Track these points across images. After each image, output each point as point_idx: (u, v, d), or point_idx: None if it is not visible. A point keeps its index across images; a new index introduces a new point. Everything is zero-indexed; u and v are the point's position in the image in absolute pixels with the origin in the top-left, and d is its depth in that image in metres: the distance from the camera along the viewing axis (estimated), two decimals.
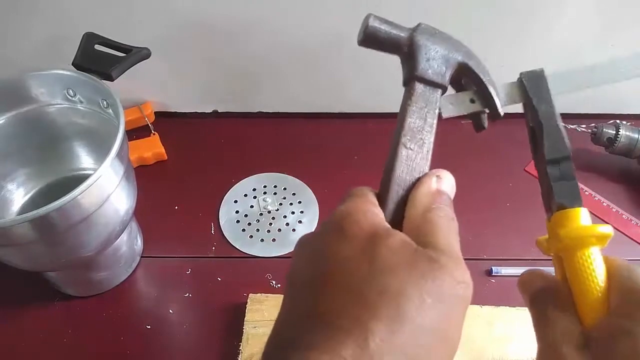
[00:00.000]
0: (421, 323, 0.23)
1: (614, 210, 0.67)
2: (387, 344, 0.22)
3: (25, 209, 0.60)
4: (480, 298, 0.55)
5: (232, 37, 0.68)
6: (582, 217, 0.30)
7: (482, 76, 0.33)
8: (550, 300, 0.29)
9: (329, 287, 0.24)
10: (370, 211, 0.27)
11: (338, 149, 0.75)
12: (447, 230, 0.27)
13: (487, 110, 0.34)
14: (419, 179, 0.29)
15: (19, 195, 0.61)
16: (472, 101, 0.33)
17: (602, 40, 0.68)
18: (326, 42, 0.69)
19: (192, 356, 0.56)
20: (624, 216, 0.67)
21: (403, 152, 0.30)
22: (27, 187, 0.61)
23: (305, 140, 0.76)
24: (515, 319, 0.55)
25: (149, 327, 0.58)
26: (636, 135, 0.67)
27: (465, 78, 0.34)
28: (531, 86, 0.34)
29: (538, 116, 0.33)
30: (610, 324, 0.26)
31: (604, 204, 0.68)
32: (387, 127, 0.86)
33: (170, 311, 0.59)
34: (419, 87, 0.31)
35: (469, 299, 0.25)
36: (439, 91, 0.31)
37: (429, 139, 0.30)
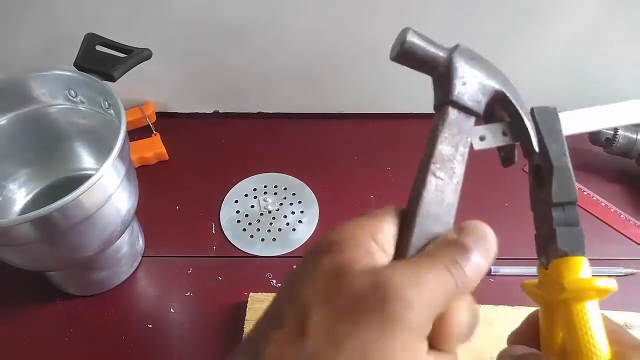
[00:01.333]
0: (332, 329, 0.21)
1: (612, 210, 0.68)
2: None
3: (26, 209, 0.61)
4: (479, 297, 0.55)
5: (232, 37, 0.68)
6: (583, 267, 0.28)
7: (519, 108, 0.31)
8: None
9: (284, 314, 0.24)
10: (359, 240, 0.24)
11: (338, 149, 0.75)
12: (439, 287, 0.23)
13: (518, 144, 0.32)
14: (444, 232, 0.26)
15: (20, 195, 0.61)
16: (505, 134, 0.31)
17: (602, 40, 0.68)
18: (326, 43, 0.69)
19: (193, 355, 0.56)
20: (622, 216, 0.67)
21: (432, 181, 0.27)
22: (28, 187, 0.61)
23: (305, 140, 0.76)
24: (514, 318, 0.55)
25: (150, 326, 0.58)
26: (634, 136, 0.68)
27: (500, 107, 0.32)
28: (543, 122, 0.32)
29: (549, 156, 0.30)
30: None
31: (602, 204, 0.68)
32: (388, 127, 0.87)
33: (172, 310, 0.59)
34: (453, 112, 0.29)
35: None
36: (473, 119, 0.29)
37: (460, 169, 0.28)
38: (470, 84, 0.29)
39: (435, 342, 0.23)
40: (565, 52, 0.69)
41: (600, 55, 0.70)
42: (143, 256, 0.64)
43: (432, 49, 0.29)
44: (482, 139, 0.30)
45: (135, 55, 0.55)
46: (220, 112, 0.79)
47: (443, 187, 0.27)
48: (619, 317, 0.56)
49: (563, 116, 0.32)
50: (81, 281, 0.60)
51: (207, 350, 0.56)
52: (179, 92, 0.77)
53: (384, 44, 0.74)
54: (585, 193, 0.69)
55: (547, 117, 0.32)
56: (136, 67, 0.55)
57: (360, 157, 0.74)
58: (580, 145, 0.73)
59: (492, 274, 0.61)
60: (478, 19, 0.65)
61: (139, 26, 0.66)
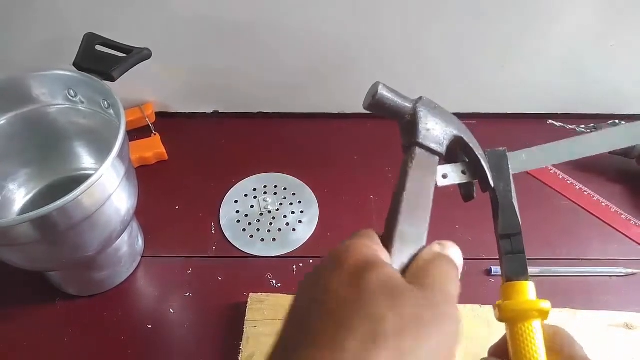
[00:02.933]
0: (398, 346, 0.23)
1: (612, 210, 0.67)
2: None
3: (26, 208, 0.61)
4: (479, 298, 0.55)
5: (232, 37, 0.68)
6: (528, 291, 0.32)
7: (475, 150, 0.36)
8: None
9: (316, 313, 0.25)
10: (367, 246, 0.28)
11: (338, 149, 0.75)
12: (445, 274, 0.28)
13: (476, 181, 0.36)
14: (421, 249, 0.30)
15: (20, 195, 0.61)
16: (464, 172, 0.36)
17: (602, 40, 0.68)
18: (326, 43, 0.69)
19: (193, 355, 0.56)
20: (622, 216, 0.67)
21: (404, 206, 0.31)
22: (28, 187, 0.61)
23: (305, 140, 0.76)
24: None
25: (150, 326, 0.58)
26: None
27: (459, 150, 0.36)
28: (492, 164, 0.36)
29: (496, 194, 0.35)
30: None
31: (603, 204, 0.68)
32: (387, 127, 0.86)
33: (171, 311, 0.59)
34: (420, 151, 0.33)
35: (454, 334, 0.25)
36: (437, 158, 0.34)
37: (428, 198, 0.32)
38: (433, 130, 0.34)
39: None
40: (565, 52, 0.69)
41: (600, 55, 0.70)
42: (142, 256, 0.64)
43: (399, 101, 0.34)
44: (444, 177, 0.35)
45: (135, 55, 0.55)
46: (220, 112, 0.79)
47: (414, 212, 0.31)
48: (620, 317, 0.56)
49: (513, 157, 0.37)
50: (81, 281, 0.60)
51: (206, 350, 0.56)
52: (179, 92, 0.77)
53: (384, 43, 0.75)
54: (585, 193, 0.69)
55: (497, 159, 0.37)
56: (136, 67, 0.55)
57: (360, 157, 0.74)
58: None
59: (492, 274, 0.60)
60: (478, 19, 0.65)
61: (138, 26, 0.66)
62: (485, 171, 0.36)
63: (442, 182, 0.35)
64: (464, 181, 0.36)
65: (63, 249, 0.51)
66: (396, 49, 0.68)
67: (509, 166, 0.36)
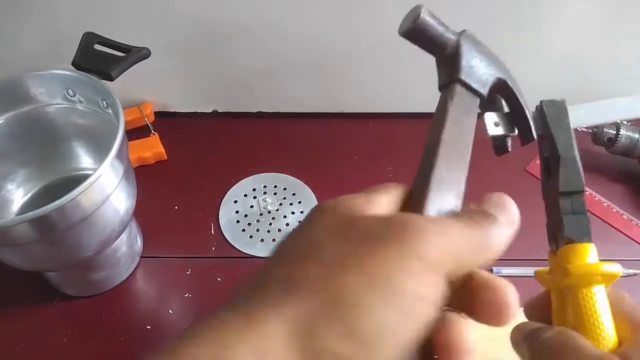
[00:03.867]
0: (366, 272, 0.20)
1: (614, 210, 0.67)
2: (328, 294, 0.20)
3: (24, 209, 0.60)
4: None
5: (232, 37, 0.68)
6: (590, 253, 0.30)
7: (519, 97, 0.32)
8: (566, 335, 0.28)
9: (293, 256, 0.23)
10: (356, 196, 0.25)
11: (338, 149, 0.75)
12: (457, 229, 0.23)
13: (515, 133, 0.33)
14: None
15: (18, 195, 0.61)
16: (511, 123, 0.33)
17: (603, 39, 0.68)
18: (326, 43, 0.68)
19: None
20: (624, 216, 0.67)
21: (443, 149, 0.27)
22: (26, 187, 0.61)
23: (305, 140, 0.76)
24: (517, 319, 0.55)
25: (149, 327, 0.58)
26: (636, 136, 0.67)
27: (501, 95, 0.33)
28: (551, 115, 0.33)
29: (556, 147, 0.32)
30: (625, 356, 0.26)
31: (605, 204, 0.68)
32: (388, 127, 0.86)
33: (170, 311, 0.59)
34: (461, 89, 0.29)
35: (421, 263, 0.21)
36: (478, 100, 0.30)
37: (469, 142, 0.28)
38: (477, 67, 0.30)
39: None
40: (567, 51, 0.69)
41: (602, 54, 0.69)
42: (141, 257, 0.64)
43: (442, 29, 0.29)
44: (496, 124, 0.31)
45: (134, 54, 0.55)
46: (219, 111, 0.79)
47: (453, 156, 0.27)
48: None
49: (572, 109, 0.33)
50: (79, 282, 0.60)
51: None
52: (178, 91, 0.77)
53: (385, 43, 0.75)
54: (587, 193, 0.69)
55: (555, 110, 0.33)
56: (135, 66, 0.55)
57: (360, 157, 0.74)
58: (582, 145, 0.72)
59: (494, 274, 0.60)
60: (478, 18, 0.65)
61: (137, 25, 0.66)
62: (529, 121, 0.32)
63: (493, 131, 0.31)
64: (512, 133, 0.32)
65: (61, 249, 0.50)
66: (396, 49, 0.68)
67: (569, 118, 0.33)
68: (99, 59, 0.54)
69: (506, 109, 0.34)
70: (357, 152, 0.74)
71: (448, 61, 0.30)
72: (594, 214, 0.67)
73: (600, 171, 0.71)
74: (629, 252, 0.63)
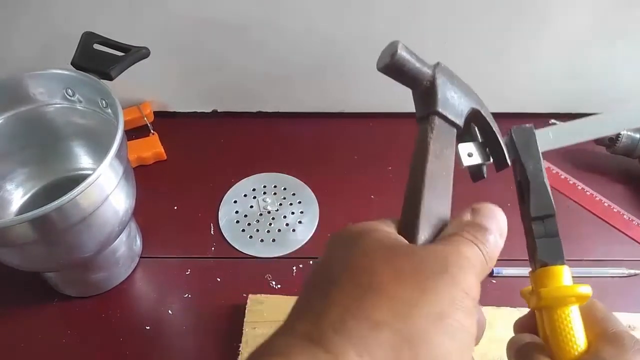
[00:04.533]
0: (395, 295, 0.22)
1: (615, 210, 0.67)
2: (347, 312, 0.22)
3: (24, 209, 0.60)
4: (481, 299, 0.54)
5: (231, 36, 0.68)
6: (563, 276, 0.31)
7: (492, 125, 0.33)
8: (534, 350, 0.31)
9: (311, 281, 0.25)
10: (370, 222, 0.27)
11: (338, 148, 0.75)
12: (469, 241, 0.26)
13: (489, 162, 0.34)
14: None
15: (17, 195, 0.61)
16: (485, 151, 0.34)
17: (603, 39, 0.67)
18: (326, 43, 0.68)
19: (192, 357, 0.56)
20: (625, 216, 0.66)
21: (429, 178, 0.28)
22: (26, 187, 0.61)
23: (305, 140, 0.76)
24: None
25: (148, 327, 0.58)
26: (638, 136, 0.67)
27: (475, 125, 0.34)
28: (520, 142, 0.34)
29: (526, 173, 0.33)
30: None
31: (605, 204, 0.68)
32: (388, 127, 0.86)
33: (170, 312, 0.59)
34: (440, 122, 0.30)
35: (460, 300, 0.23)
36: (455, 131, 0.31)
37: (449, 177, 0.29)
38: (452, 99, 0.31)
39: None
40: (567, 52, 0.69)
41: (601, 55, 0.69)
42: (141, 257, 0.63)
43: (418, 64, 0.30)
44: (470, 155, 0.33)
45: (133, 54, 0.54)
46: (219, 111, 0.79)
47: (437, 186, 0.28)
48: (622, 318, 0.55)
49: (540, 134, 0.35)
50: (79, 282, 0.60)
51: (205, 352, 0.56)
52: (177, 91, 0.77)
53: (384, 43, 0.74)
54: (588, 193, 0.69)
55: (524, 136, 0.34)
56: (134, 66, 0.55)
57: (360, 157, 0.74)
58: (583, 145, 0.72)
59: (494, 275, 0.60)
60: (478, 18, 0.65)
61: (136, 25, 0.66)
62: (502, 149, 0.33)
63: (468, 162, 0.32)
64: (487, 161, 0.34)
65: (61, 250, 0.50)
66: None
67: (538, 144, 0.34)
68: (99, 58, 0.54)
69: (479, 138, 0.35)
70: (357, 152, 0.74)
71: (424, 94, 0.31)
72: (595, 214, 0.67)
73: (601, 171, 0.71)
74: (630, 252, 0.63)
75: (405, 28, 0.65)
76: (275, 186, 0.70)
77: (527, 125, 0.35)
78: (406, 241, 0.26)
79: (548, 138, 0.35)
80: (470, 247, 0.25)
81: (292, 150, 0.75)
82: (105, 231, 0.51)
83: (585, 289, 0.30)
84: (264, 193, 0.70)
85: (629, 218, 0.66)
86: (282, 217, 0.67)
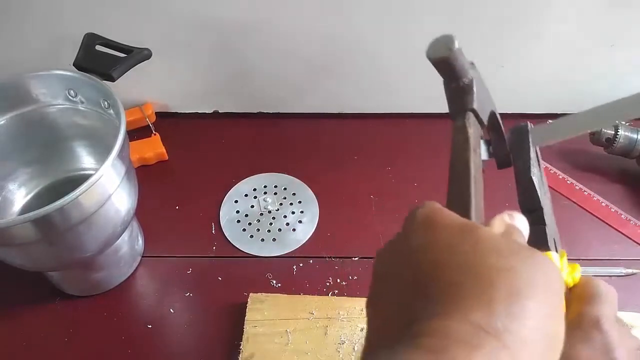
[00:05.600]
0: (532, 297, 0.22)
1: (612, 210, 0.67)
2: (507, 311, 0.21)
3: (26, 209, 0.60)
4: None
5: (232, 37, 0.68)
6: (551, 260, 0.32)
7: (503, 128, 0.36)
8: None
9: (439, 270, 0.24)
10: (450, 212, 0.27)
11: (338, 149, 0.75)
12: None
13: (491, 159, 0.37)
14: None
15: (20, 196, 0.61)
16: (489, 149, 0.37)
17: (603, 40, 0.68)
18: (326, 44, 0.69)
19: (193, 355, 0.56)
20: (622, 216, 0.67)
21: (472, 166, 0.29)
22: (28, 187, 0.61)
23: (305, 140, 0.76)
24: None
25: (150, 326, 0.58)
26: (635, 136, 0.67)
27: (489, 126, 0.35)
28: (513, 141, 0.36)
29: (515, 171, 0.36)
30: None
31: (603, 204, 0.68)
32: (388, 127, 0.86)
33: (171, 311, 0.59)
34: (474, 119, 0.32)
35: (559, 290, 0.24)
36: (480, 130, 0.33)
37: (481, 174, 0.30)
38: (481, 100, 0.32)
39: None
40: (566, 52, 0.69)
41: (600, 55, 0.70)
42: (142, 256, 0.64)
43: (465, 63, 0.31)
44: (486, 151, 0.36)
45: (135, 55, 0.55)
46: (220, 112, 0.79)
47: (478, 181, 0.30)
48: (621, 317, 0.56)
49: (534, 131, 0.37)
50: (81, 281, 0.60)
51: (206, 351, 0.56)
52: (179, 92, 0.77)
53: (384, 43, 0.75)
54: (586, 193, 0.69)
55: (518, 135, 0.36)
56: (136, 67, 0.55)
57: (360, 157, 0.74)
58: (581, 145, 0.73)
59: None
60: (477, 19, 0.65)
61: (138, 26, 0.66)
62: (507, 149, 0.36)
63: (485, 156, 0.35)
64: (487, 158, 0.36)
65: (63, 249, 0.51)
66: (395, 49, 0.68)
67: (530, 141, 0.36)
68: (101, 59, 0.54)
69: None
70: (357, 152, 0.74)
71: (462, 91, 0.32)
72: (593, 214, 0.67)
73: (599, 171, 0.71)
74: (628, 252, 0.64)
75: (405, 29, 0.66)
76: (275, 186, 0.71)
77: (523, 123, 0.36)
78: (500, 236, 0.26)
79: (542, 133, 0.37)
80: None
81: (293, 150, 0.75)
82: (107, 231, 0.52)
83: (565, 267, 0.31)
84: (265, 193, 0.70)
85: (627, 218, 0.67)
86: (283, 216, 0.68)
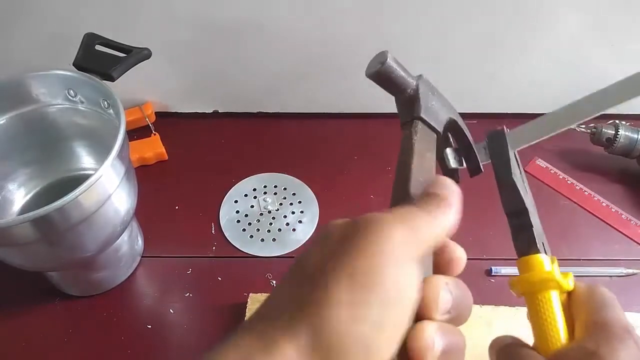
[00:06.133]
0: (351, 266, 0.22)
1: (613, 210, 0.67)
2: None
3: (26, 209, 0.60)
4: (480, 298, 0.55)
5: (232, 37, 0.68)
6: (538, 263, 0.32)
7: (467, 134, 0.37)
8: (517, 346, 0.31)
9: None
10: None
11: (338, 149, 0.75)
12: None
13: (463, 167, 0.38)
14: None
15: (19, 195, 0.61)
16: (457, 158, 0.38)
17: (603, 39, 0.68)
18: (326, 43, 0.69)
19: (193, 356, 0.56)
20: (623, 216, 0.67)
21: (415, 174, 0.30)
22: (27, 187, 0.61)
23: (305, 140, 0.76)
24: (514, 319, 0.55)
25: (150, 326, 0.58)
26: (635, 136, 0.67)
27: (451, 134, 0.37)
28: (492, 146, 0.37)
29: (496, 174, 0.36)
30: (576, 351, 0.28)
31: (604, 204, 0.68)
32: (387, 128, 0.86)
33: (171, 311, 0.59)
34: (422, 126, 0.32)
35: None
36: (435, 136, 0.33)
37: (432, 178, 0.31)
38: (432, 108, 0.33)
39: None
40: (566, 52, 0.69)
41: (601, 55, 0.69)
42: (142, 256, 0.64)
43: (404, 74, 0.33)
44: (455, 158, 0.37)
45: (135, 55, 0.55)
46: (219, 111, 0.79)
47: (421, 183, 0.30)
48: None
49: (510, 135, 0.37)
50: (80, 281, 0.60)
51: (206, 351, 0.56)
52: (179, 91, 0.77)
53: (385, 44, 0.75)
54: (586, 193, 0.69)
55: (496, 139, 0.37)
56: (136, 67, 0.55)
57: (360, 157, 0.74)
58: (581, 145, 0.73)
59: (492, 274, 0.60)
60: (478, 19, 0.65)
61: (138, 26, 0.66)
62: (476, 156, 0.37)
63: (455, 164, 0.36)
64: (459, 167, 0.37)
65: (62, 249, 0.51)
66: (395, 50, 0.68)
67: (508, 145, 0.36)
68: (100, 59, 0.54)
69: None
70: (357, 152, 0.74)
71: (408, 102, 0.33)
72: (593, 214, 0.67)
73: (599, 171, 0.71)
74: (628, 252, 0.64)
75: (405, 30, 0.66)
76: (275, 186, 0.71)
77: (499, 128, 0.37)
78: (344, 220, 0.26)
79: (519, 136, 0.38)
80: (426, 213, 0.26)
81: (293, 150, 0.75)
82: (107, 231, 0.52)
83: (560, 277, 0.31)
84: (265, 193, 0.70)
85: (627, 218, 0.67)
86: (283, 216, 0.67)
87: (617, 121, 0.69)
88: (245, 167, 0.72)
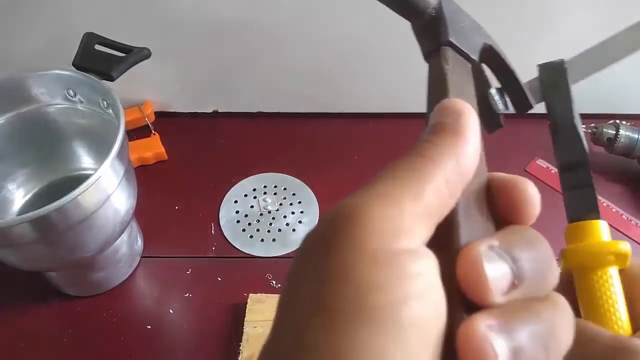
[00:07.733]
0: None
1: (613, 210, 0.67)
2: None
3: (25, 209, 0.60)
4: None
5: (232, 37, 0.68)
6: (600, 231, 0.26)
7: (509, 64, 0.29)
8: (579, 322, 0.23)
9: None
10: None
11: (338, 149, 0.75)
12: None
13: (509, 110, 0.30)
14: None
15: (19, 196, 0.61)
16: (505, 96, 0.29)
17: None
18: (327, 43, 0.68)
19: (192, 356, 0.56)
20: (623, 216, 0.67)
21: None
22: (27, 187, 0.61)
23: (305, 140, 0.76)
24: None
25: (149, 327, 0.58)
26: (636, 135, 0.67)
27: (488, 65, 0.29)
28: (548, 82, 0.30)
29: (553, 116, 0.29)
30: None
31: (604, 204, 0.68)
32: (387, 127, 0.86)
33: (171, 311, 0.59)
34: (454, 54, 0.24)
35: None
36: (470, 66, 0.25)
37: (474, 103, 0.24)
38: (462, 30, 0.26)
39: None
40: (566, 51, 0.69)
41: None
42: (142, 257, 0.64)
43: None
44: (502, 101, 0.28)
45: (135, 55, 0.55)
46: (219, 111, 0.79)
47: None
48: None
49: (571, 66, 0.30)
50: (80, 282, 0.60)
51: (206, 351, 0.56)
52: (178, 91, 0.77)
53: (386, 43, 0.75)
54: None
55: (553, 74, 0.30)
56: (135, 67, 0.55)
57: (360, 157, 0.74)
58: None
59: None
60: (477, 19, 0.65)
61: (138, 25, 0.66)
62: (523, 89, 0.29)
63: (502, 108, 0.28)
64: (505, 110, 0.29)
65: (62, 250, 0.51)
66: (398, 49, 0.68)
67: (568, 80, 0.29)
68: (100, 59, 0.54)
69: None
70: (357, 152, 0.74)
71: (430, 25, 0.26)
72: None
73: (599, 171, 0.71)
74: None
75: (405, 30, 0.66)
76: (275, 186, 0.71)
77: (557, 60, 0.30)
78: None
79: (579, 68, 0.31)
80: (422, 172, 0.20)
81: (292, 150, 0.75)
82: (106, 231, 0.52)
83: (624, 246, 0.24)
84: (265, 193, 0.70)
85: (628, 218, 0.67)
86: (283, 217, 0.67)
87: (617, 121, 0.69)
88: (245, 167, 0.72)
